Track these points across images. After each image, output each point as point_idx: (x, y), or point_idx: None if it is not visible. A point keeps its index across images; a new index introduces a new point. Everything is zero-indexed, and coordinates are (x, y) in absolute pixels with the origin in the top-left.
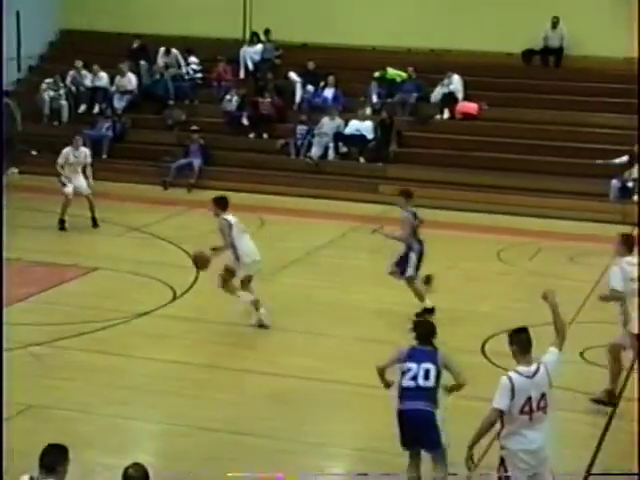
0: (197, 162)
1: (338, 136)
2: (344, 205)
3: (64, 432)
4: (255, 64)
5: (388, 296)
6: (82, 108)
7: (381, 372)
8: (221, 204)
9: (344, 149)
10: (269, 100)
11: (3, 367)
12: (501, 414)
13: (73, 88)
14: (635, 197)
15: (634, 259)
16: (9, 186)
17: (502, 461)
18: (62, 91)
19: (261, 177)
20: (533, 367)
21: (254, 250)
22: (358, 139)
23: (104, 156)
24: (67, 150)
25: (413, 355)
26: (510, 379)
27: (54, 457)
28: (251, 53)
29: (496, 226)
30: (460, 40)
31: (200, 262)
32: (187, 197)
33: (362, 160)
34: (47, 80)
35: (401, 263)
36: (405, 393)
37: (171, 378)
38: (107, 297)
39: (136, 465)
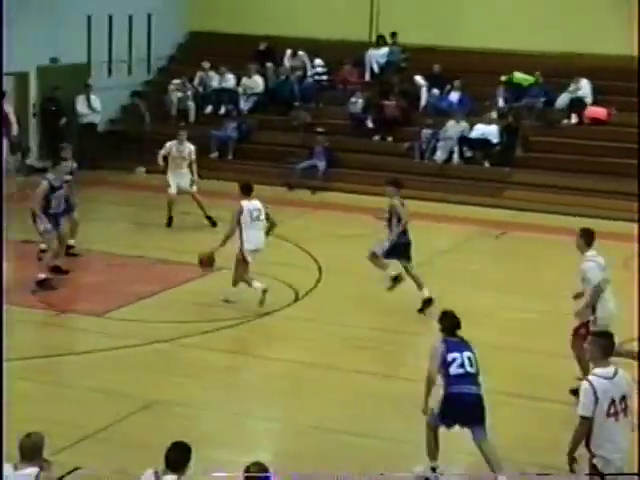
0: (321, 164)
1: (463, 140)
2: (468, 209)
3: (185, 428)
4: (381, 67)
5: (514, 302)
6: (209, 109)
7: (431, 384)
8: (243, 190)
9: (469, 153)
10: (394, 103)
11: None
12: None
13: (200, 89)
14: None
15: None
16: (136, 185)
17: (594, 467)
18: (189, 92)
19: (385, 180)
20: (611, 369)
21: (259, 241)
22: (483, 143)
23: (229, 157)
24: (171, 143)
25: (451, 346)
26: (590, 382)
27: (179, 454)
28: (377, 56)
29: (627, 234)
30: (588, 43)
31: (206, 261)
32: (311, 199)
33: (487, 164)
34: (175, 81)
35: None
36: (456, 380)
37: (290, 377)
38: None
39: (258, 464)
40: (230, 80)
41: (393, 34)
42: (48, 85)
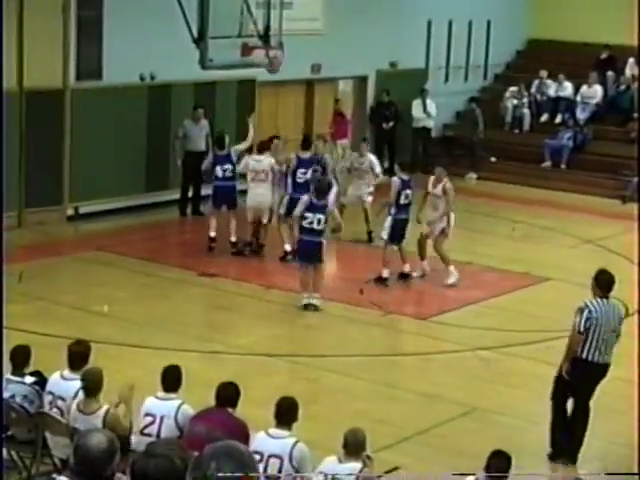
0: None
1: None
2: None
3: (505, 438)
4: None
5: None
6: (544, 117)
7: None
8: None
9: None
10: None
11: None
12: None
13: (538, 97)
14: None
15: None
16: (466, 191)
17: None
18: (525, 100)
19: None
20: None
21: None
22: None
23: (562, 166)
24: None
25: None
26: None
27: (501, 463)
28: None
29: None
30: None
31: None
32: None
33: None
34: (511, 88)
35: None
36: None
37: (615, 395)
38: (557, 308)
39: None
40: (568, 88)
41: None
42: (385, 89)
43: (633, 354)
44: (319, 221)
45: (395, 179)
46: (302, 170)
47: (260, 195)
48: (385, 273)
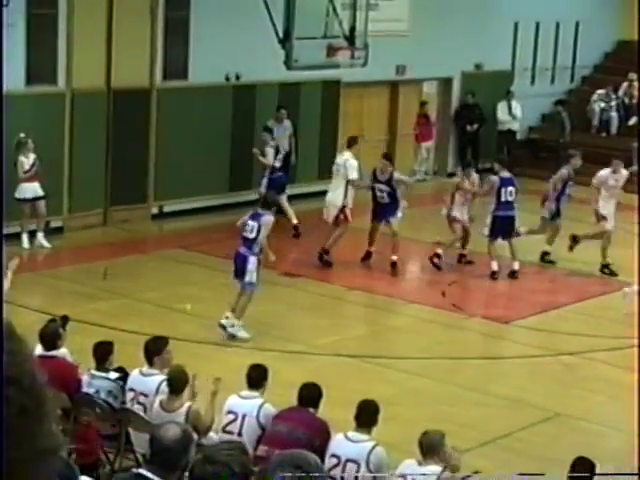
0: None
1: None
2: None
3: (587, 444)
4: None
5: None
6: (632, 121)
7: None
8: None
9: None
10: None
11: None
12: None
13: (626, 100)
14: None
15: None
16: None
17: None
18: (613, 103)
19: None
20: None
21: None
22: None
23: None
24: (605, 173)
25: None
26: None
27: (583, 469)
28: None
29: None
30: None
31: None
32: None
33: None
34: (599, 91)
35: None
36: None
37: None
38: None
39: None
40: None
41: None
42: (470, 91)
43: None
44: (252, 229)
45: (494, 177)
46: None
47: (329, 193)
48: (494, 266)
